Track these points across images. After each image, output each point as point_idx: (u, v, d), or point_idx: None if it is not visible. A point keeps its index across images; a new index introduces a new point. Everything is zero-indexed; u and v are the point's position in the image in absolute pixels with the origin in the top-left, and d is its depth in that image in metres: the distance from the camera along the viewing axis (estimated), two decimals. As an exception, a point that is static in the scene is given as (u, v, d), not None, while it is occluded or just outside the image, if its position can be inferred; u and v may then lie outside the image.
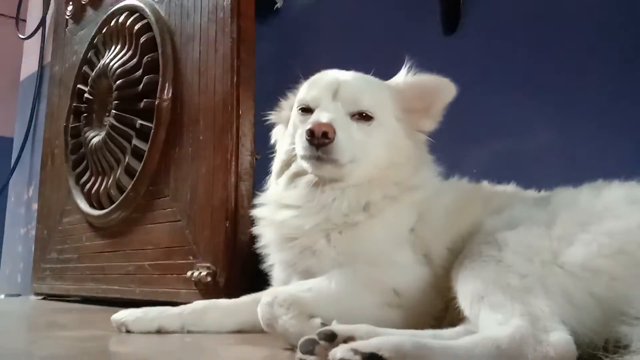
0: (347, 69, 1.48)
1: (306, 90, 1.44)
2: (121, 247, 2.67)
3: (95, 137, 2.92)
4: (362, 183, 1.36)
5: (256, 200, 1.53)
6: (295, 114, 1.44)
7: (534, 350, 0.85)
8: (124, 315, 1.55)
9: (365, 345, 0.82)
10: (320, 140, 1.26)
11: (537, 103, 1.81)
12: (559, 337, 0.87)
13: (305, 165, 1.34)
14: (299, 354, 0.97)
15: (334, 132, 1.26)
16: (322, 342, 0.95)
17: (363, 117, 1.36)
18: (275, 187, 1.49)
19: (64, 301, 3.10)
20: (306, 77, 1.53)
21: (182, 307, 1.57)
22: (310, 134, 1.26)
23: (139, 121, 2.58)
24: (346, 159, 1.30)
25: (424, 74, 1.45)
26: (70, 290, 3.05)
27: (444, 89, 1.42)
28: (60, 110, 3.43)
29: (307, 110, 1.40)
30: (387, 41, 2.28)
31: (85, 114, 3.09)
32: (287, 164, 1.45)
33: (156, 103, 2.47)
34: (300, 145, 1.31)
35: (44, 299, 3.35)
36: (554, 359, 0.85)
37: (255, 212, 1.50)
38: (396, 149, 1.41)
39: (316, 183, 1.36)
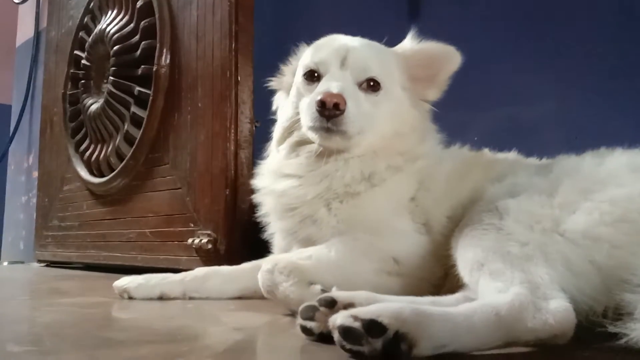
0: (348, 33, 1.45)
1: (312, 55, 1.39)
2: (122, 214, 2.68)
3: (94, 104, 2.90)
4: (366, 153, 1.35)
5: (256, 169, 1.52)
6: (299, 80, 1.40)
7: (533, 317, 0.85)
8: (126, 281, 1.57)
9: (365, 311, 0.82)
10: (331, 112, 1.23)
11: (539, 70, 1.79)
12: (558, 305, 0.87)
13: (312, 135, 1.31)
14: (299, 320, 0.97)
15: (345, 103, 1.23)
16: (322, 309, 0.95)
17: (371, 86, 1.33)
18: (276, 155, 1.47)
19: (67, 268, 3.13)
20: (308, 42, 1.49)
21: (183, 273, 1.59)
22: (321, 104, 1.23)
23: (137, 88, 2.55)
24: (355, 131, 1.27)
25: (429, 41, 1.42)
26: (72, 257, 3.07)
27: (450, 57, 1.40)
28: (58, 76, 3.39)
29: (312, 76, 1.36)
30: (388, 7, 2.23)
31: (83, 81, 3.05)
32: (289, 131, 1.43)
33: (154, 69, 2.44)
34: (309, 116, 1.27)
35: (46, 266, 3.39)
36: (553, 326, 0.85)
37: (255, 182, 1.50)
38: (402, 119, 1.39)
39: (321, 153, 1.34)
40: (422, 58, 1.41)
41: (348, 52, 1.34)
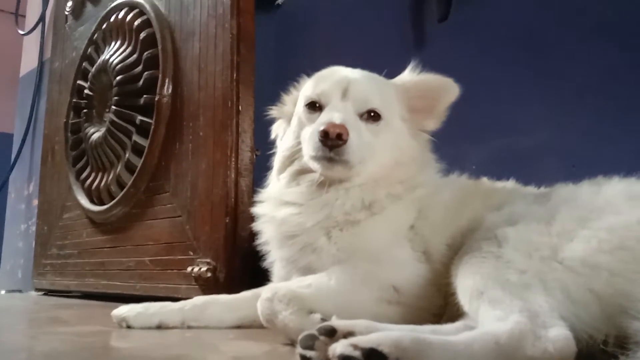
0: (348, 64, 1.48)
1: (314, 87, 1.42)
2: (121, 242, 2.67)
3: (96, 133, 2.93)
4: (367, 182, 1.36)
5: (256, 197, 1.53)
6: (301, 110, 1.43)
7: (533, 345, 0.85)
8: (124, 310, 1.56)
9: (365, 340, 0.82)
10: (333, 142, 1.25)
11: (537, 100, 1.82)
12: (558, 333, 0.87)
13: (314, 165, 1.33)
14: (299, 349, 0.97)
15: (348, 134, 1.25)
16: (322, 338, 0.95)
17: (371, 117, 1.36)
18: (277, 184, 1.49)
19: (65, 297, 3.10)
20: (308, 72, 1.52)
21: (182, 302, 1.58)
22: (324, 135, 1.25)
23: (139, 117, 2.58)
24: (357, 160, 1.29)
25: (428, 73, 1.46)
26: (71, 285, 3.05)
27: (448, 88, 1.43)
28: (60, 106, 3.43)
29: (314, 107, 1.39)
30: (389, 40, 2.28)
31: (85, 110, 3.09)
32: (289, 160, 1.45)
33: (156, 99, 2.47)
34: (311, 146, 1.29)
35: (44, 294, 3.36)
36: (552, 355, 0.85)
37: (256, 209, 1.50)
38: (401, 149, 1.41)
39: (322, 182, 1.36)
40: (421, 89, 1.44)
41: (349, 84, 1.37)
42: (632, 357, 0.82)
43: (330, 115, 1.29)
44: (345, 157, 1.27)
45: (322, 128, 1.25)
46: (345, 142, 1.25)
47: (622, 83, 1.65)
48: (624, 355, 0.83)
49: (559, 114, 1.76)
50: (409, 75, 1.47)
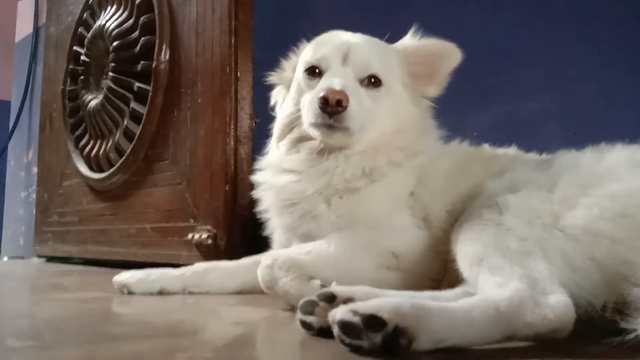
0: (350, 29, 1.45)
1: (313, 51, 1.39)
2: (122, 210, 2.68)
3: (93, 100, 2.89)
4: (367, 150, 1.35)
5: (256, 165, 1.52)
6: (300, 76, 1.40)
7: (532, 312, 0.85)
8: (126, 277, 1.57)
9: (365, 306, 0.82)
10: (333, 109, 1.23)
11: (539, 66, 1.79)
12: (558, 300, 0.87)
13: (314, 132, 1.31)
14: (299, 315, 0.97)
15: (348, 100, 1.23)
16: (321, 303, 0.95)
17: (372, 82, 1.33)
18: (276, 151, 1.47)
19: (67, 263, 3.13)
20: (309, 37, 1.49)
21: (183, 268, 1.59)
22: (324, 101, 1.22)
23: (137, 84, 2.54)
24: (357, 127, 1.27)
25: (430, 38, 1.42)
26: (73, 252, 3.08)
27: (450, 53, 1.39)
28: (57, 72, 3.39)
29: (314, 72, 1.36)
30: (392, 3, 2.22)
31: (82, 77, 3.05)
32: (289, 127, 1.42)
33: (153, 65, 2.43)
34: (311, 113, 1.27)
35: (46, 261, 3.39)
36: (552, 321, 0.85)
37: (255, 177, 1.49)
38: (402, 116, 1.39)
39: (321, 150, 1.34)
40: (423, 55, 1.41)
41: (350, 49, 1.34)
42: (632, 323, 0.82)
43: (330, 81, 1.27)
44: (345, 124, 1.25)
45: (321, 94, 1.23)
46: (345, 108, 1.23)
47: (627, 49, 1.62)
48: (624, 321, 0.83)
49: (561, 80, 1.73)
50: (410, 40, 1.44)
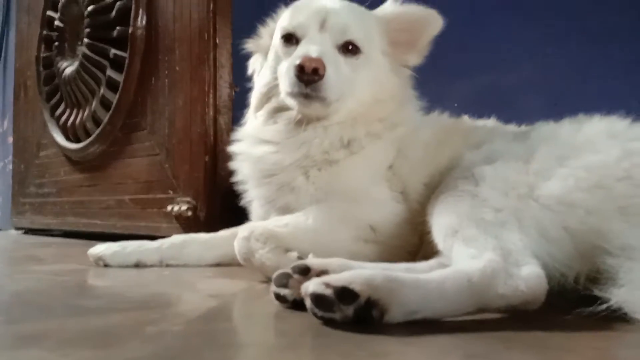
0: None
1: (290, 18, 1.34)
2: (100, 181, 2.63)
3: (68, 67, 2.81)
4: (346, 120, 1.32)
5: (233, 136, 1.49)
6: (277, 43, 1.36)
7: (505, 284, 0.86)
8: (101, 249, 1.55)
9: (337, 278, 0.81)
10: (310, 77, 1.19)
11: (519, 36, 1.76)
12: (530, 271, 0.87)
13: (290, 102, 1.28)
14: (273, 287, 0.97)
15: (325, 68, 1.19)
16: (295, 276, 0.95)
17: (350, 50, 1.30)
18: (254, 122, 1.44)
19: (45, 235, 3.09)
20: (287, 3, 1.44)
21: (160, 240, 1.57)
22: (300, 69, 1.19)
23: (113, 50, 2.47)
24: (334, 97, 1.24)
25: (410, 4, 1.38)
26: (51, 224, 3.03)
27: (431, 20, 1.36)
28: (30, 38, 3.28)
29: (290, 39, 1.32)
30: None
31: (56, 43, 2.95)
32: (266, 97, 1.39)
33: (130, 31, 2.36)
34: (287, 82, 1.24)
35: (24, 233, 3.35)
36: (524, 293, 0.86)
37: (233, 148, 1.47)
38: (382, 85, 1.36)
39: (299, 120, 1.32)
40: (404, 22, 1.37)
41: (327, 14, 1.30)
42: (605, 291, 0.83)
43: (307, 49, 1.23)
44: (322, 93, 1.22)
45: (297, 62, 1.19)
46: (321, 77, 1.20)
47: (606, 21, 1.60)
48: (598, 290, 0.84)
49: (542, 52, 1.71)
50: (391, 6, 1.40)
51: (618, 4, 1.58)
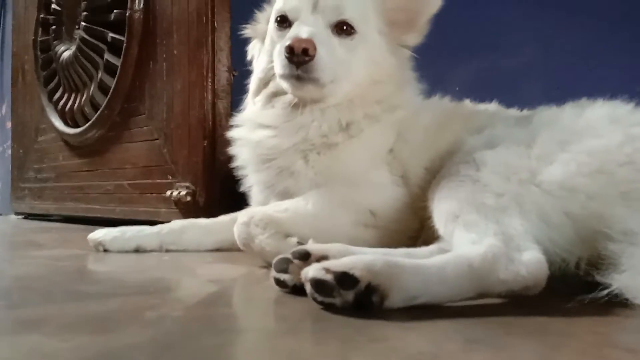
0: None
1: (284, 0, 1.33)
2: (99, 166, 2.62)
3: (66, 51, 2.79)
4: (342, 102, 1.31)
5: (232, 121, 1.48)
6: (272, 27, 1.35)
7: (506, 269, 0.85)
8: (100, 234, 1.54)
9: (337, 264, 0.81)
10: (300, 58, 1.18)
11: (521, 20, 1.74)
12: (532, 256, 0.87)
13: (284, 84, 1.27)
14: (273, 273, 0.96)
15: (315, 49, 1.17)
16: (295, 261, 0.94)
17: (344, 30, 1.28)
18: (252, 107, 1.43)
19: (45, 220, 3.09)
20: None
21: (160, 226, 1.57)
22: (290, 50, 1.17)
23: (110, 34, 2.44)
24: (328, 78, 1.23)
25: None
26: (50, 209, 3.03)
27: None
28: (28, 22, 3.24)
29: (284, 22, 1.31)
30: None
31: (54, 27, 2.92)
32: (264, 82, 1.38)
33: (127, 14, 2.33)
34: (279, 63, 1.22)
35: (24, 218, 3.34)
36: (525, 278, 0.85)
37: (232, 133, 1.46)
38: (379, 66, 1.34)
39: (296, 104, 1.30)
40: (401, 0, 1.35)
41: None
42: (606, 277, 0.83)
43: (297, 30, 1.21)
44: (313, 74, 1.20)
45: (287, 44, 1.18)
46: (312, 57, 1.18)
47: (610, 5, 1.58)
48: (599, 276, 0.83)
49: (544, 35, 1.70)
50: None
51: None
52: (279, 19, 1.32)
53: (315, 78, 1.21)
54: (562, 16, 1.67)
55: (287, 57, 1.19)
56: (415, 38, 1.37)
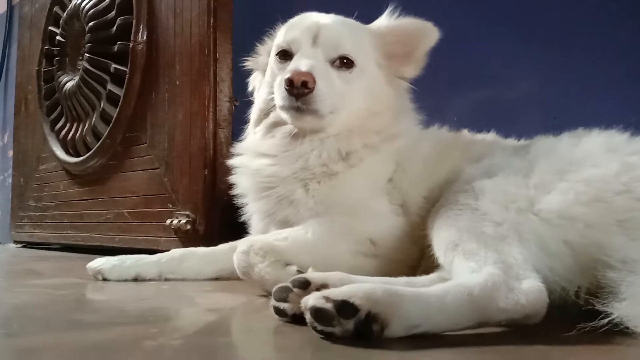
0: (330, 11, 1.42)
1: (284, 34, 1.37)
2: (99, 194, 2.63)
3: (69, 81, 2.82)
4: (342, 133, 1.33)
5: (233, 150, 1.50)
6: (273, 59, 1.38)
7: (506, 297, 0.85)
8: (99, 263, 1.54)
9: (337, 292, 0.81)
10: (299, 90, 1.21)
11: (519, 51, 1.78)
12: (531, 285, 0.87)
13: (284, 116, 1.29)
14: (272, 301, 0.96)
15: (314, 82, 1.20)
16: (295, 290, 0.94)
17: (344, 63, 1.31)
18: (253, 136, 1.46)
19: (44, 249, 3.07)
20: (285, 20, 1.46)
21: (159, 255, 1.57)
22: (289, 83, 1.20)
23: (114, 65, 2.48)
24: (327, 110, 1.25)
25: (405, 17, 1.40)
26: (50, 238, 3.02)
27: (427, 32, 1.37)
28: (32, 53, 3.30)
29: (285, 55, 1.34)
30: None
31: (58, 58, 2.97)
32: (265, 113, 1.41)
33: (130, 46, 2.37)
34: (279, 95, 1.25)
35: (23, 247, 3.33)
36: (525, 306, 0.85)
37: (232, 161, 1.47)
38: (377, 97, 1.37)
39: (295, 134, 1.32)
40: (399, 34, 1.39)
41: (319, 30, 1.32)
42: (606, 306, 0.82)
43: (297, 63, 1.25)
44: (313, 106, 1.23)
45: (287, 76, 1.21)
46: (311, 90, 1.21)
47: (605, 37, 1.62)
48: (599, 304, 0.83)
49: (542, 66, 1.73)
50: (385, 19, 1.41)
51: (616, 20, 1.59)
52: (280, 52, 1.35)
53: (314, 109, 1.23)
54: (558, 49, 1.70)
55: (287, 89, 1.21)
56: (413, 70, 1.41)
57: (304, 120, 1.27)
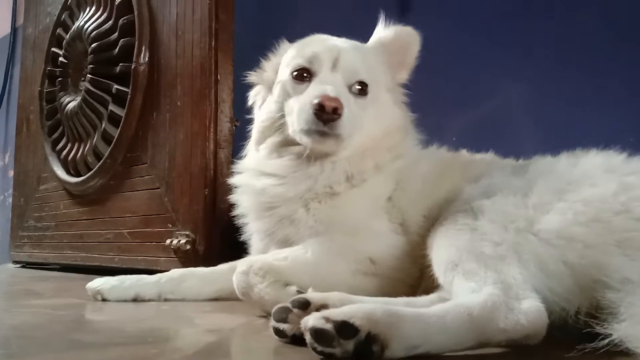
0: (330, 32, 1.44)
1: (302, 54, 1.36)
2: (99, 214, 2.63)
3: (71, 102, 2.85)
4: (354, 155, 1.34)
5: (234, 168, 1.50)
6: (287, 79, 1.36)
7: (506, 317, 0.85)
8: (99, 283, 1.54)
9: (337, 313, 0.81)
10: (329, 116, 1.21)
11: (517, 70, 1.80)
12: (531, 305, 0.87)
13: (304, 139, 1.28)
14: (272, 322, 0.96)
15: (342, 108, 1.22)
16: (295, 310, 0.94)
17: (360, 90, 1.34)
18: (255, 155, 1.44)
19: (43, 269, 3.06)
20: (289, 38, 1.48)
21: (158, 275, 1.56)
22: (320, 108, 1.20)
23: (115, 86, 2.51)
24: (347, 134, 1.26)
25: (394, 25, 1.45)
26: (49, 258, 3.01)
27: (415, 38, 1.44)
28: (35, 74, 3.33)
29: (302, 76, 1.33)
30: (371, 7, 2.22)
31: (60, 79, 3.00)
32: (271, 131, 1.40)
33: (132, 67, 2.40)
34: (303, 119, 1.24)
35: (22, 267, 3.32)
36: (525, 327, 0.85)
37: (233, 180, 1.47)
38: (387, 121, 1.40)
39: (307, 156, 1.32)
40: (396, 45, 1.44)
41: (340, 54, 1.33)
42: (606, 327, 0.82)
43: (324, 88, 1.25)
44: (337, 130, 1.24)
45: (317, 101, 1.21)
46: (340, 116, 1.22)
47: (604, 55, 1.64)
48: (599, 326, 0.83)
49: (540, 87, 1.74)
50: (383, 31, 1.45)
51: (612, 37, 1.61)
52: (298, 71, 1.34)
53: (337, 134, 1.25)
54: (555, 69, 1.72)
55: (315, 114, 1.21)
56: (405, 75, 1.47)
57: (326, 144, 1.27)
